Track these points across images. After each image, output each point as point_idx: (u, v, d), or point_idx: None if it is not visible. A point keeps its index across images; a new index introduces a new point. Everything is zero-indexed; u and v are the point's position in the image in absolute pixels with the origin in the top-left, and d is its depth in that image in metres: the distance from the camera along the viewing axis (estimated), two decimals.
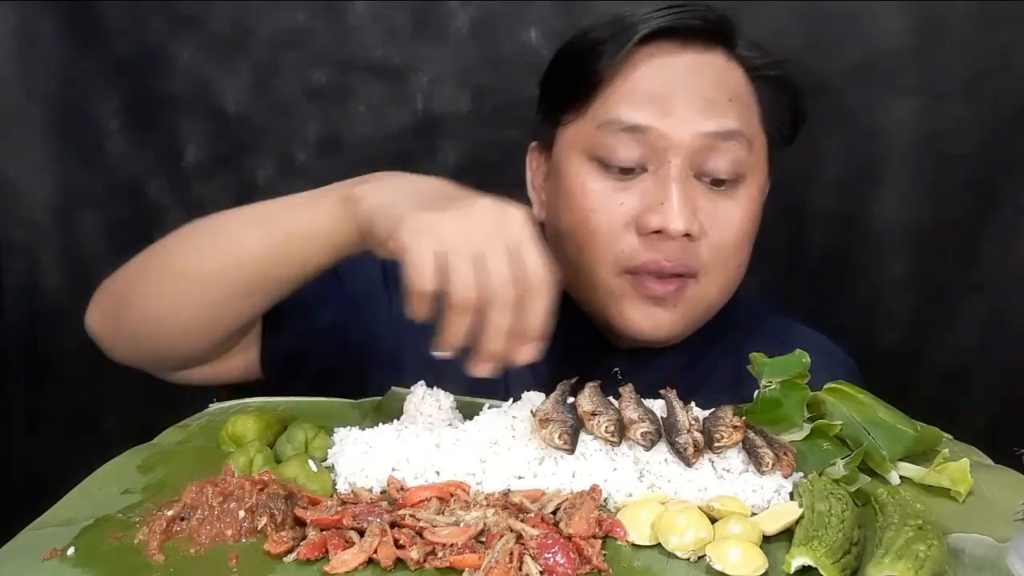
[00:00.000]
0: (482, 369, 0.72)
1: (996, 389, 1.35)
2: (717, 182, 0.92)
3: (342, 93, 1.36)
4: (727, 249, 0.92)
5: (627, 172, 0.91)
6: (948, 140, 1.31)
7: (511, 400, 0.82)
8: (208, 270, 0.85)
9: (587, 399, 0.77)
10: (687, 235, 0.89)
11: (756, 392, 0.78)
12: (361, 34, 1.34)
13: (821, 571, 0.59)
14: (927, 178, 1.32)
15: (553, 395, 0.80)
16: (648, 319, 0.93)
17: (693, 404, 0.80)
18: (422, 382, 0.84)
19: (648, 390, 0.82)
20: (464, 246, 0.70)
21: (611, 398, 0.80)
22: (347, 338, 0.99)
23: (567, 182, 0.95)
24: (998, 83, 1.28)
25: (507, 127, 1.35)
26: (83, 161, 1.37)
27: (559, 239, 0.96)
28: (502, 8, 1.32)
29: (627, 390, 0.81)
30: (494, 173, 1.37)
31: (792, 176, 1.35)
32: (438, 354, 0.72)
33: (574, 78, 0.95)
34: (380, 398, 0.89)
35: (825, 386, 0.80)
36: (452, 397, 0.84)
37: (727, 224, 0.92)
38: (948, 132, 1.30)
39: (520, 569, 0.60)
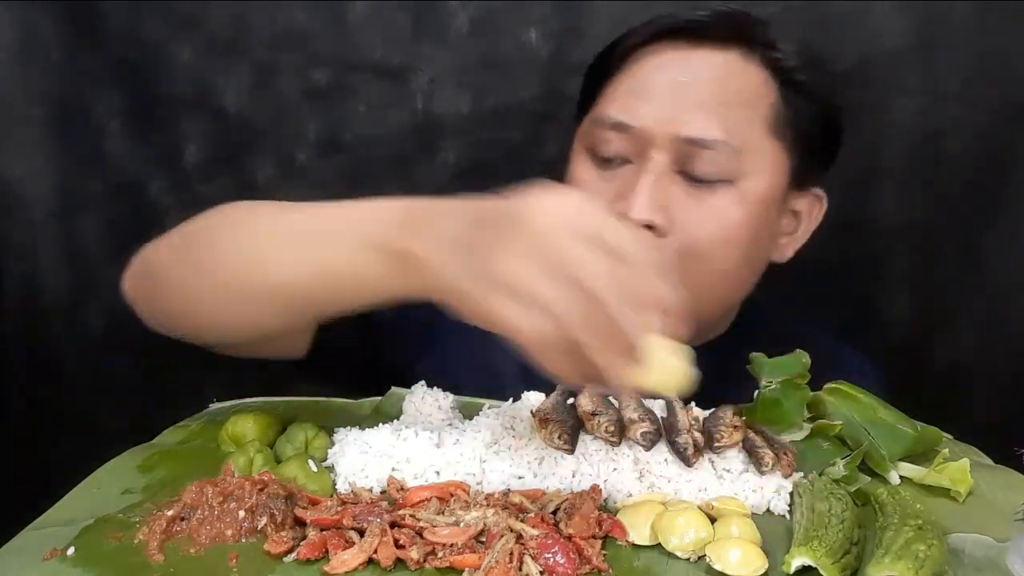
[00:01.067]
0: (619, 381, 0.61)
1: (996, 389, 1.35)
2: (698, 179, 0.90)
3: (342, 93, 1.36)
4: (701, 247, 0.90)
5: (612, 162, 0.93)
6: (948, 140, 1.31)
7: (511, 400, 0.82)
8: (239, 283, 0.77)
9: (587, 399, 0.77)
10: (651, 227, 0.88)
11: (756, 392, 0.78)
12: (361, 34, 1.34)
13: (821, 571, 0.59)
14: (927, 178, 1.32)
15: (553, 395, 0.80)
16: None
17: (693, 404, 0.80)
18: (422, 382, 0.84)
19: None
20: (531, 269, 0.58)
21: (611, 398, 0.80)
22: (408, 336, 0.98)
23: (567, 174, 0.97)
24: (998, 83, 1.28)
25: (507, 127, 1.35)
26: (83, 161, 1.37)
27: None
28: (502, 8, 1.32)
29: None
30: (494, 173, 1.38)
31: None
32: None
33: (590, 76, 0.98)
34: (380, 398, 0.89)
35: (825, 386, 0.80)
36: (452, 397, 0.84)
37: (703, 222, 0.90)
38: (948, 132, 1.30)
39: (520, 569, 0.60)
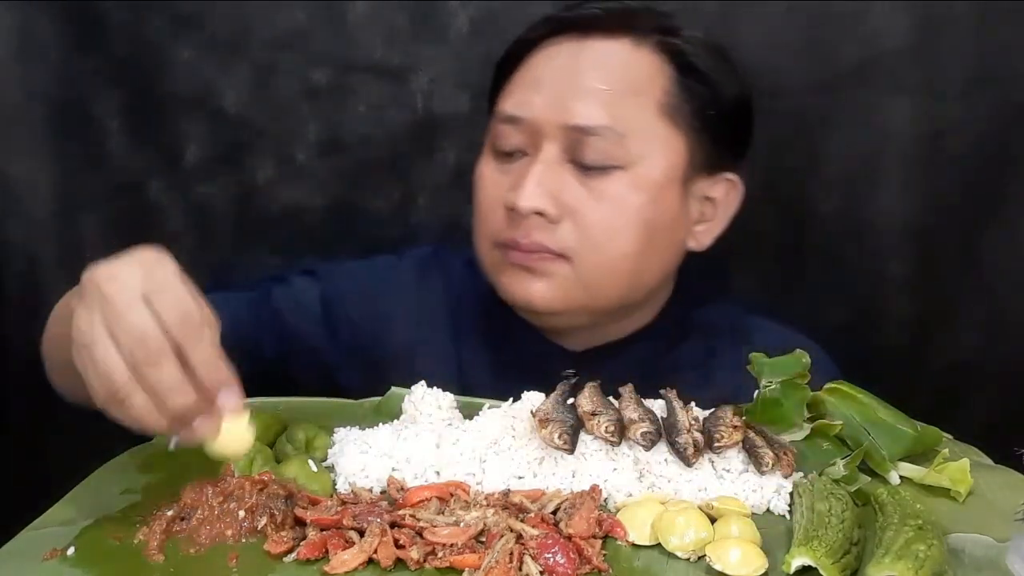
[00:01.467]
0: (187, 436, 0.64)
1: (996, 389, 1.35)
2: (589, 168, 0.91)
3: (342, 93, 1.36)
4: (596, 232, 0.91)
5: (512, 156, 0.95)
6: (948, 140, 1.30)
7: (511, 400, 0.82)
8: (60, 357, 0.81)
9: (587, 399, 0.77)
10: (541, 214, 0.90)
11: (756, 392, 0.78)
12: (361, 34, 1.34)
13: (821, 571, 0.59)
14: (927, 178, 1.32)
15: (553, 395, 0.80)
16: (518, 286, 0.94)
17: (693, 404, 0.80)
18: (422, 382, 0.84)
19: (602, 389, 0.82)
20: (95, 329, 0.61)
21: (611, 398, 0.80)
22: (288, 372, 1.03)
23: (474, 172, 1.00)
24: (998, 83, 1.28)
25: None
26: (83, 161, 1.37)
27: None
28: (502, 8, 1.32)
29: (627, 390, 0.81)
30: None
31: (792, 176, 1.35)
32: (173, 446, 0.66)
33: (495, 76, 1.01)
34: (380, 398, 0.89)
35: (825, 386, 0.80)
36: (452, 397, 0.84)
37: (596, 208, 0.91)
38: (948, 132, 1.30)
39: (520, 569, 0.60)
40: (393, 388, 0.88)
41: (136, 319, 0.61)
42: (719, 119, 0.95)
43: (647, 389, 0.82)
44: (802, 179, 1.35)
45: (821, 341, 1.02)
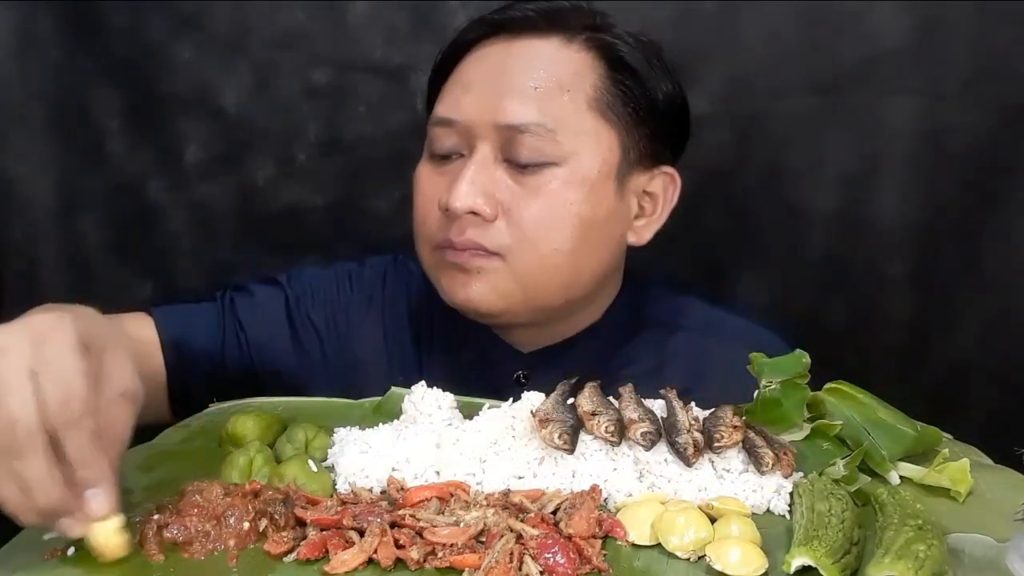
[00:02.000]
0: (66, 527, 0.61)
1: (996, 389, 1.35)
2: (523, 166, 0.92)
3: (342, 93, 1.36)
4: (529, 229, 0.91)
5: (449, 159, 0.95)
6: (948, 140, 1.31)
7: (511, 400, 0.82)
8: None
9: (587, 399, 0.77)
10: (475, 214, 0.91)
11: (756, 392, 0.78)
12: (361, 34, 1.34)
13: (821, 571, 0.59)
14: (927, 178, 1.32)
15: (553, 395, 0.80)
16: (457, 287, 0.94)
17: (693, 404, 0.80)
18: (422, 382, 0.84)
19: (553, 384, 0.83)
20: None
21: (611, 398, 0.80)
22: (254, 382, 1.03)
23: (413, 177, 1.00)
24: (998, 83, 1.28)
25: None
26: (83, 161, 1.37)
27: None
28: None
29: (627, 390, 0.81)
30: None
31: (792, 176, 1.36)
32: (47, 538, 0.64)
33: (431, 81, 1.01)
34: (380, 398, 0.89)
35: (825, 386, 0.80)
36: (452, 397, 0.83)
37: (531, 205, 0.91)
38: (948, 132, 1.30)
39: (520, 569, 0.60)
40: (393, 388, 0.88)
41: (10, 403, 0.57)
42: (653, 114, 0.96)
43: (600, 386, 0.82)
44: (802, 179, 1.35)
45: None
